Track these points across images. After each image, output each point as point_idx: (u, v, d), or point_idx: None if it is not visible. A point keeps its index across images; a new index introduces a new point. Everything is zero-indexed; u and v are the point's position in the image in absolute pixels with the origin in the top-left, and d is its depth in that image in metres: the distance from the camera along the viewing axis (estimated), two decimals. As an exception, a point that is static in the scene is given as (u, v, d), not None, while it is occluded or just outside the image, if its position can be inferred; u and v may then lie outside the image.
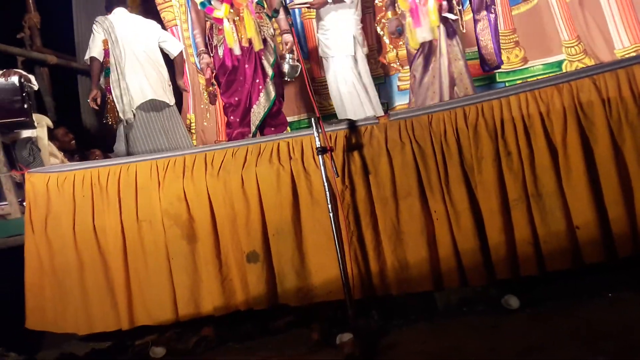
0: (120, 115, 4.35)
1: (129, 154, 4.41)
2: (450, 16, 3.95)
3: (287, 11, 3.30)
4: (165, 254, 3.31)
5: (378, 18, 4.30)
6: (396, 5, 4.17)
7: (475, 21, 4.13)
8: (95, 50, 4.45)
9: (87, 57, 4.50)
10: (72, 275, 3.39)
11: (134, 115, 4.41)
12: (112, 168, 3.46)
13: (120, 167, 3.46)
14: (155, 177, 3.39)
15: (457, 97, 3.96)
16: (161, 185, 3.38)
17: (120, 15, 4.50)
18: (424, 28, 3.94)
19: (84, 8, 6.02)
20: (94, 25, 4.48)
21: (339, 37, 4.50)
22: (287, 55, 4.22)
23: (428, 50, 4.03)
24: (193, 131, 5.56)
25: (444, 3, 3.95)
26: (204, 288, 3.26)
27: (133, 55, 4.44)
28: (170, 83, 4.67)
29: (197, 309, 3.26)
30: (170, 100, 4.64)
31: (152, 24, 4.71)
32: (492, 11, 4.04)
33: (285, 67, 4.24)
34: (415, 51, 4.10)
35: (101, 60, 4.45)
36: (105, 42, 4.41)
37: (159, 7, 5.55)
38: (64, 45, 6.10)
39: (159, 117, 4.57)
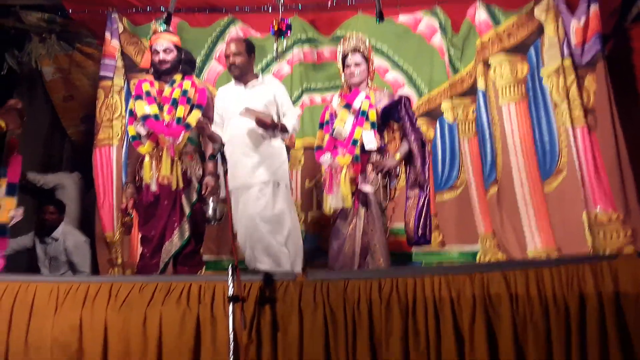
0: None
1: None
2: (365, 188, 4.12)
3: (223, 158, 3.37)
4: (48, 384, 3.06)
5: (318, 177, 4.46)
6: None
7: (407, 198, 4.33)
8: None
9: None
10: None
11: None
12: (11, 284, 3.28)
13: (20, 285, 3.27)
14: (54, 301, 3.22)
15: (367, 268, 4.03)
16: (58, 310, 3.20)
17: None
18: (334, 196, 4.10)
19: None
20: None
21: None
22: (210, 200, 4.24)
23: (344, 217, 4.16)
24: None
25: (360, 175, 4.13)
26: None
27: None
28: None
29: None
30: None
31: None
32: (425, 190, 4.25)
33: (209, 213, 4.24)
34: (333, 216, 4.22)
35: None
36: None
37: (97, 126, 5.61)
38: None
39: None
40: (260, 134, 4.30)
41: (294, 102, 5.70)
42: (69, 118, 6.49)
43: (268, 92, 4.43)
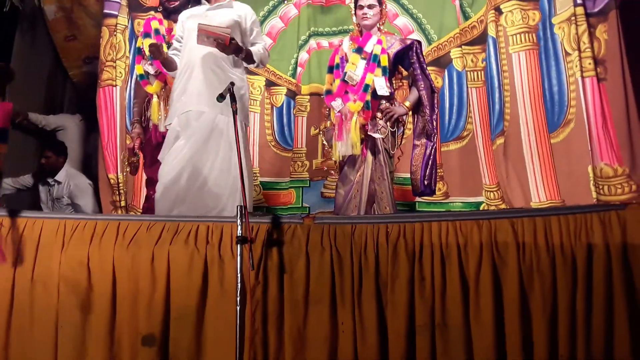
0: None
1: None
2: (375, 135, 4.10)
3: (233, 99, 3.32)
4: (54, 320, 3.09)
5: (322, 126, 4.41)
6: None
7: (414, 146, 4.30)
8: None
9: None
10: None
11: None
12: (18, 220, 3.27)
13: (26, 221, 3.27)
14: (61, 238, 3.21)
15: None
16: (65, 247, 3.21)
17: None
18: (344, 142, 4.08)
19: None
20: None
21: None
22: None
23: (352, 164, 4.16)
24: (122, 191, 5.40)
25: (370, 122, 4.10)
26: (90, 364, 3.05)
27: None
28: None
29: (77, 385, 3.03)
30: None
31: None
32: (432, 140, 4.22)
33: None
34: (342, 163, 4.21)
35: None
36: None
37: (101, 65, 5.56)
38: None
39: None
40: (220, 60, 3.88)
41: (301, 47, 5.64)
42: (71, 59, 6.40)
43: (232, 14, 4.00)
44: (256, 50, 3.99)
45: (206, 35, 3.68)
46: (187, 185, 3.75)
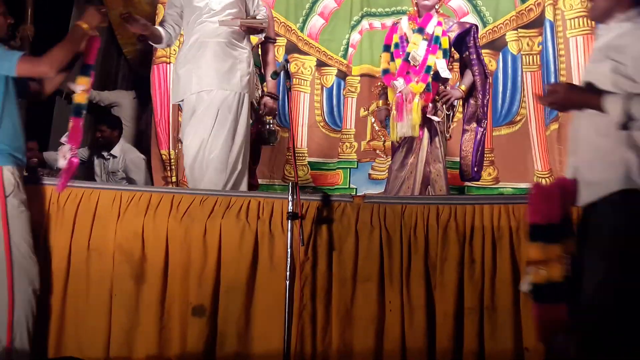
0: None
1: None
2: (434, 118, 4.07)
3: (287, 75, 3.34)
4: (109, 288, 3.17)
5: (371, 106, 4.40)
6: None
7: (464, 131, 4.26)
8: None
9: None
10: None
11: None
12: (74, 190, 3.35)
13: (83, 191, 3.34)
14: (117, 209, 3.27)
15: (428, 197, 4.01)
16: (120, 218, 3.27)
17: None
18: (404, 123, 4.05)
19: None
20: None
21: None
22: (267, 120, 4.22)
23: (409, 145, 4.12)
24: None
25: (430, 105, 4.06)
26: (141, 332, 3.11)
27: None
28: None
29: (129, 353, 3.10)
30: None
31: None
32: (482, 125, 4.18)
33: (266, 133, 4.24)
34: (397, 144, 4.19)
35: None
36: None
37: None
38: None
39: None
40: (230, 37, 3.84)
41: (353, 27, 5.62)
42: (125, 36, 6.44)
43: None
44: (264, 19, 3.98)
45: (243, 26, 3.79)
46: (202, 165, 3.76)
